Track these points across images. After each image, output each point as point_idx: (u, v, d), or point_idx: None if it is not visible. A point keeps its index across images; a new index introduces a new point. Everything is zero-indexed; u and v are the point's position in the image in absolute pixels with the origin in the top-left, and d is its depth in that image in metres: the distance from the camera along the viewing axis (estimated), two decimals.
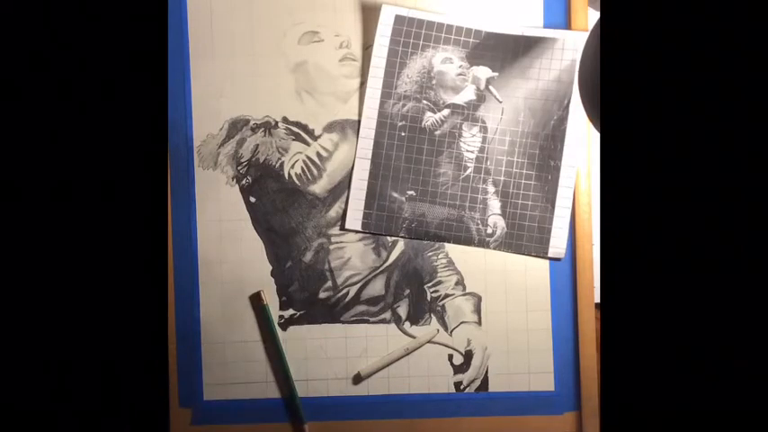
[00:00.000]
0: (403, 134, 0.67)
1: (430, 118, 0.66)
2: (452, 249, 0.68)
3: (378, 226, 0.67)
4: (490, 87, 0.66)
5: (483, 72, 0.66)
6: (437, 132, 0.67)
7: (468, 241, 0.67)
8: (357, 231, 0.67)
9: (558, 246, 0.67)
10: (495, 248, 0.67)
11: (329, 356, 0.68)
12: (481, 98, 0.66)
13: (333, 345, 0.68)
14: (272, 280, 0.68)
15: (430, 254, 0.68)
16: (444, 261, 0.68)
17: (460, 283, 0.68)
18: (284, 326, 0.68)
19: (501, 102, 0.66)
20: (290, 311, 0.68)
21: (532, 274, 0.68)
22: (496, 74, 0.66)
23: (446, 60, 0.66)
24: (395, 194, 0.67)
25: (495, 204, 0.67)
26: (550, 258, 0.67)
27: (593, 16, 0.66)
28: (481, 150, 0.67)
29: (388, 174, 0.67)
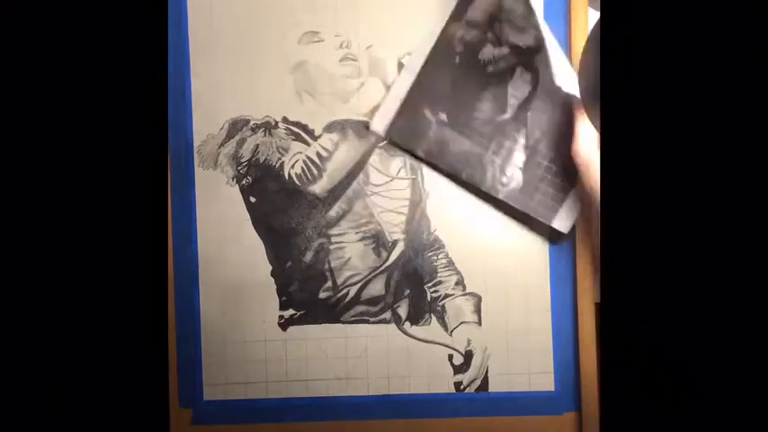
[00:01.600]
0: (457, 60, 0.65)
1: (488, 52, 0.64)
2: (452, 249, 0.68)
3: (400, 136, 0.66)
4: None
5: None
6: (490, 68, 0.65)
7: (480, 182, 0.65)
8: (378, 136, 0.66)
9: (565, 219, 0.64)
10: (503, 197, 0.65)
11: (329, 356, 0.68)
12: (541, 47, 0.64)
13: (333, 345, 0.68)
14: (272, 280, 0.68)
15: (430, 254, 0.68)
16: (444, 261, 0.68)
17: (460, 283, 0.68)
18: (284, 326, 0.68)
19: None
20: (290, 311, 0.68)
21: (533, 274, 0.68)
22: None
23: None
24: (427, 113, 0.65)
25: (519, 157, 0.65)
26: (553, 229, 0.65)
27: (594, 16, 0.66)
28: (526, 100, 0.65)
29: (427, 92, 0.65)
